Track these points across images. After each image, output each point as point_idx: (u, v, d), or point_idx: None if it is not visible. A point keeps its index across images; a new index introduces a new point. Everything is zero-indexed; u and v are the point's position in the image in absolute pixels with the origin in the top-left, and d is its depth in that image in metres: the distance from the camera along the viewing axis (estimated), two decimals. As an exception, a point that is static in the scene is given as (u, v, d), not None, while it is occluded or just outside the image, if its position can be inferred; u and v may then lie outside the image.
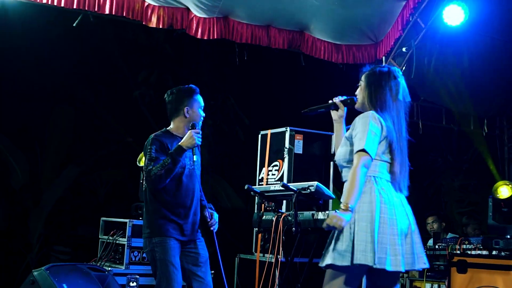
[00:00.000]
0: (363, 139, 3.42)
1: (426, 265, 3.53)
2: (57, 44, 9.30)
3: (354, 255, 3.34)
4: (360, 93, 3.72)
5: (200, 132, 4.50)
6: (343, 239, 3.41)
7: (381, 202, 3.42)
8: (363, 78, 3.72)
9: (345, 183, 3.48)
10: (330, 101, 3.88)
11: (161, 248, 4.38)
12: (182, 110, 4.57)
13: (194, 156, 4.49)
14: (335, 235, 3.47)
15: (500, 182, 6.12)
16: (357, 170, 3.37)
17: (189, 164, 4.54)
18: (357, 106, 3.75)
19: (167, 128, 4.65)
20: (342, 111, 3.85)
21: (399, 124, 3.60)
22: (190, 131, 4.46)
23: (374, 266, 3.33)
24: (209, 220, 4.72)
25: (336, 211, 3.37)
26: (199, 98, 4.65)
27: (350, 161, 3.51)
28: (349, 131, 3.62)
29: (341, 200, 3.40)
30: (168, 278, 4.35)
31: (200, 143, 4.47)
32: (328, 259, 3.44)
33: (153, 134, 4.55)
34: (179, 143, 4.41)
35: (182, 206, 4.48)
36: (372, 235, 3.34)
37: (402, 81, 3.71)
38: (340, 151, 3.62)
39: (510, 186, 6.02)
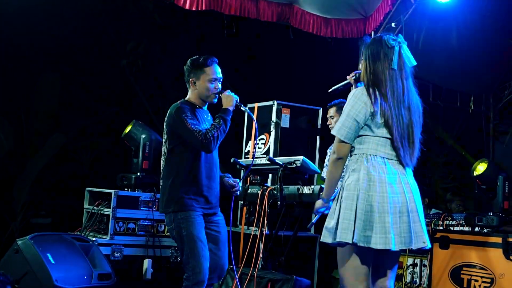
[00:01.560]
0: (341, 125, 3.45)
1: (426, 245, 3.45)
2: (44, 11, 9.17)
3: (337, 233, 3.36)
4: (361, 66, 3.69)
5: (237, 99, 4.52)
6: (332, 217, 3.45)
7: (370, 180, 3.37)
8: (364, 50, 3.67)
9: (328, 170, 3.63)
10: (347, 77, 4.02)
11: (188, 224, 4.29)
12: (189, 81, 4.53)
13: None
14: (329, 213, 3.53)
15: (478, 161, 6.16)
16: (331, 162, 3.50)
17: None
18: (361, 79, 3.67)
19: (185, 99, 4.57)
20: (355, 86, 3.88)
21: (397, 95, 3.46)
22: (223, 93, 4.47)
23: (358, 244, 3.34)
24: (234, 186, 4.67)
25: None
26: (209, 70, 4.49)
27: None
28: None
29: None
30: (197, 254, 4.26)
31: (238, 101, 4.51)
32: (322, 237, 3.51)
33: (177, 104, 4.47)
34: (224, 107, 4.43)
35: (207, 177, 4.42)
36: (354, 214, 3.34)
37: (398, 47, 3.52)
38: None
39: (485, 163, 6.06)
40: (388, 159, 3.45)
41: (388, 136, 3.44)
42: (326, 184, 3.56)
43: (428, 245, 3.46)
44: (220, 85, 4.52)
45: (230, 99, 4.44)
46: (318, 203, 3.60)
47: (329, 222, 3.44)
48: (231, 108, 4.43)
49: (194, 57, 4.57)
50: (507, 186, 5.87)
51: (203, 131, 4.26)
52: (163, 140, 4.49)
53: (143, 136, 6.46)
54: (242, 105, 4.56)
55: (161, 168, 4.51)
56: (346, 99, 3.63)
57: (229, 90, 4.52)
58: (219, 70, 4.53)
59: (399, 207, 3.39)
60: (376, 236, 3.33)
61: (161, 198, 4.49)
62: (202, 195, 4.38)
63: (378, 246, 3.33)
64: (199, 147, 4.31)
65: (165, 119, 4.48)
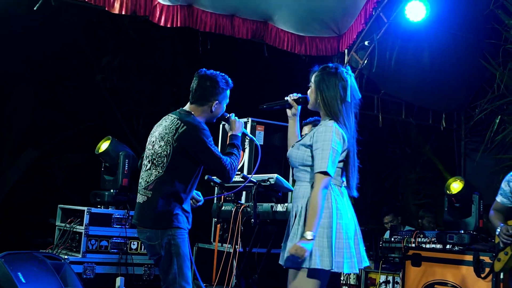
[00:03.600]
0: (325, 160, 3.43)
1: (367, 263, 3.64)
2: (19, 25, 9.13)
3: (312, 260, 3.39)
4: (311, 95, 3.69)
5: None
6: (291, 242, 3.47)
7: (337, 208, 3.47)
8: (312, 79, 3.68)
9: (311, 205, 3.42)
10: (285, 98, 3.88)
11: (179, 241, 4.09)
12: (212, 101, 4.22)
13: None
14: (290, 237, 3.53)
15: (452, 178, 6.23)
16: (319, 194, 3.41)
17: None
18: (309, 106, 3.74)
19: (196, 115, 4.22)
20: (296, 109, 3.85)
21: (350, 127, 3.60)
22: (233, 119, 4.33)
23: (332, 270, 3.40)
24: (198, 200, 4.42)
25: (300, 243, 3.35)
26: (229, 93, 4.32)
27: (305, 166, 3.54)
28: (306, 137, 3.61)
29: (306, 227, 3.39)
30: (185, 273, 4.08)
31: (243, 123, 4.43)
32: (287, 262, 3.49)
33: (195, 121, 4.13)
34: (235, 133, 4.30)
35: (190, 197, 4.27)
36: (330, 241, 3.41)
37: (350, 79, 3.64)
38: (296, 154, 3.61)
39: (461, 181, 6.13)
40: (343, 186, 3.61)
41: (342, 166, 3.58)
42: (315, 218, 3.40)
43: (367, 263, 3.67)
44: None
45: (239, 125, 4.33)
46: (302, 249, 3.36)
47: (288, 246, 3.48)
48: (239, 134, 4.32)
49: (220, 74, 4.28)
50: (481, 205, 5.95)
51: (227, 161, 4.11)
52: (159, 152, 4.12)
53: (122, 153, 6.40)
54: (248, 133, 4.49)
55: (148, 180, 4.14)
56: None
57: (233, 114, 4.38)
58: None
59: (354, 232, 3.55)
60: (346, 261, 3.44)
61: (146, 213, 4.15)
62: (188, 214, 4.22)
63: (348, 270, 3.46)
64: (221, 176, 4.16)
65: (176, 133, 4.08)
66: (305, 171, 3.56)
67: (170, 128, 4.14)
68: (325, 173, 3.43)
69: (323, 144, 3.47)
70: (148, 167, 4.19)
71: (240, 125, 4.36)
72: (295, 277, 3.52)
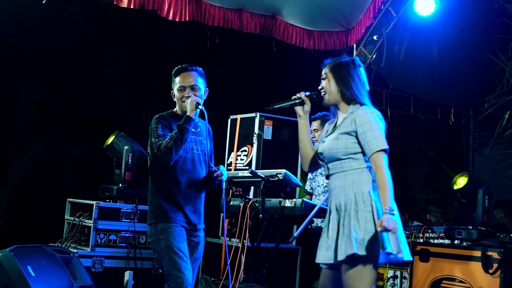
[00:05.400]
0: (380, 138, 3.46)
1: None
2: (27, 18, 9.14)
3: (381, 244, 3.34)
4: (328, 87, 3.67)
5: (198, 101, 4.29)
6: (359, 228, 3.41)
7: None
8: (327, 70, 3.68)
9: (380, 183, 3.40)
10: (294, 96, 3.81)
11: (167, 234, 4.19)
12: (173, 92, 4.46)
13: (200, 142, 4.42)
14: (345, 226, 3.44)
15: (459, 174, 6.23)
16: (386, 171, 3.41)
17: (195, 149, 4.40)
18: (327, 100, 3.71)
19: (173, 110, 4.48)
20: (309, 107, 3.79)
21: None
22: (188, 99, 4.31)
23: (399, 257, 3.39)
24: (215, 172, 4.39)
25: (387, 215, 3.30)
26: (178, 79, 4.39)
27: (350, 154, 3.52)
28: (342, 126, 3.58)
29: (383, 204, 3.35)
30: (178, 265, 4.13)
31: (201, 103, 4.29)
32: (349, 249, 3.38)
33: (158, 114, 4.41)
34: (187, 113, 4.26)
35: (186, 192, 4.31)
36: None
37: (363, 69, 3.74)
38: (337, 144, 3.56)
39: (466, 176, 6.13)
40: None
41: None
42: (390, 193, 3.38)
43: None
44: (191, 92, 4.34)
45: (191, 105, 4.25)
46: (393, 221, 3.32)
47: (359, 235, 3.38)
48: (191, 114, 4.25)
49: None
50: (486, 200, 5.94)
51: (159, 143, 4.18)
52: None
53: (126, 147, 6.43)
54: (201, 105, 4.31)
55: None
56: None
57: (192, 96, 4.33)
58: (190, 77, 4.38)
59: None
60: (407, 247, 3.44)
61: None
62: (181, 209, 4.29)
63: (409, 257, 3.45)
64: (156, 160, 4.25)
65: None
66: (350, 159, 3.53)
67: None
68: (384, 150, 3.44)
69: (371, 125, 3.49)
70: None
71: (190, 104, 4.26)
72: (350, 268, 3.43)
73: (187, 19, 6.79)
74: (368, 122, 3.49)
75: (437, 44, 8.06)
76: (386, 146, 3.46)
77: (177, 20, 6.75)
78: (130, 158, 6.37)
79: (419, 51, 8.01)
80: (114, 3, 6.43)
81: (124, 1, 6.44)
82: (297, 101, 3.79)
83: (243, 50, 9.87)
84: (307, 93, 3.80)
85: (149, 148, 4.38)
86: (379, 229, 3.29)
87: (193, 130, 4.39)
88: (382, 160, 3.44)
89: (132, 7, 6.47)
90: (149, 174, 4.41)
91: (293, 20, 7.52)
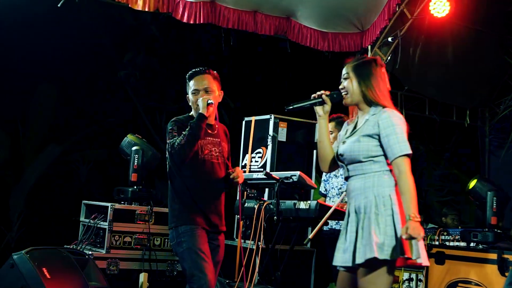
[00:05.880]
0: (404, 143, 3.42)
1: None
2: (42, 21, 9.20)
3: (399, 249, 3.31)
4: (351, 87, 3.61)
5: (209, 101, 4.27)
6: (379, 233, 3.36)
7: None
8: (349, 70, 3.62)
9: (404, 189, 3.35)
10: (315, 95, 3.74)
11: (188, 237, 4.19)
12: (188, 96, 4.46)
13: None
14: (372, 228, 3.40)
15: (474, 177, 6.21)
16: (410, 176, 3.37)
17: (214, 150, 4.38)
18: (349, 100, 3.65)
19: (189, 114, 4.46)
20: (329, 107, 3.72)
21: None
22: (200, 98, 4.30)
23: (418, 261, 3.35)
24: (232, 173, 4.39)
25: (412, 222, 3.25)
26: (192, 83, 4.40)
27: (371, 157, 3.49)
28: (363, 128, 3.54)
29: (407, 210, 3.30)
30: (200, 266, 4.12)
31: (211, 101, 4.26)
32: (368, 253, 3.34)
33: (174, 118, 4.41)
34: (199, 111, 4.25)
35: (203, 194, 4.30)
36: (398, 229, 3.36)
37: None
38: (358, 146, 3.52)
39: (475, 179, 6.11)
40: None
41: None
42: (414, 199, 3.34)
43: None
44: (205, 95, 4.32)
45: (202, 102, 4.26)
46: (418, 226, 3.29)
47: (378, 238, 3.34)
48: (204, 112, 4.24)
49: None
50: (495, 202, 5.90)
51: (174, 141, 4.19)
52: None
53: (134, 148, 6.43)
54: (209, 100, 4.29)
55: None
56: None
57: (203, 94, 4.33)
58: (204, 80, 4.38)
59: None
60: (423, 252, 3.38)
61: None
62: (201, 211, 4.27)
63: (427, 262, 3.42)
64: (172, 160, 4.27)
65: None
66: (371, 161, 3.49)
67: None
68: (407, 155, 3.40)
69: (395, 128, 3.44)
70: None
71: (202, 103, 4.25)
72: (367, 272, 3.38)
73: (201, 22, 6.80)
74: (392, 126, 3.44)
75: (452, 45, 8.02)
76: (409, 151, 3.41)
77: (191, 22, 6.76)
78: (136, 159, 6.36)
79: (434, 52, 7.98)
80: (129, 6, 6.45)
81: (139, 4, 6.46)
82: (318, 100, 3.72)
83: (258, 52, 9.89)
84: (327, 93, 3.73)
85: (166, 152, 4.37)
86: (404, 236, 3.26)
87: (210, 132, 4.39)
88: (406, 165, 3.39)
89: (147, 10, 6.49)
90: (168, 177, 4.40)
91: (307, 22, 7.52)
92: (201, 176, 4.32)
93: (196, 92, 4.38)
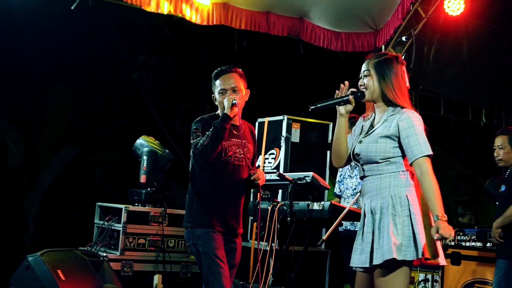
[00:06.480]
0: (424, 144, 3.39)
1: None
2: (56, 23, 9.24)
3: (419, 249, 3.28)
4: (371, 85, 3.55)
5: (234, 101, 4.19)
6: (396, 234, 3.33)
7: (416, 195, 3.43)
8: (370, 67, 3.54)
9: (428, 189, 3.32)
10: (340, 93, 3.62)
11: (204, 240, 4.14)
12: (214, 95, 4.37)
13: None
14: (381, 230, 3.38)
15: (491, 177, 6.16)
16: (432, 176, 3.34)
17: (238, 152, 4.30)
18: (370, 98, 3.59)
19: (215, 113, 4.37)
20: (352, 106, 3.63)
21: None
22: (225, 98, 4.23)
23: (439, 261, 3.36)
24: (253, 174, 4.28)
25: (442, 222, 3.20)
26: (218, 82, 4.29)
27: (387, 158, 3.46)
28: (381, 129, 3.50)
29: (434, 210, 3.27)
30: (215, 272, 4.08)
31: (236, 101, 4.16)
32: (386, 254, 3.31)
33: (199, 117, 4.34)
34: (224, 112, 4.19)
35: (223, 196, 4.23)
36: (429, 229, 3.31)
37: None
38: (375, 147, 3.48)
39: (490, 178, 6.06)
40: None
41: None
42: (440, 199, 3.32)
43: None
44: (232, 94, 4.24)
45: (227, 102, 4.18)
46: (448, 226, 3.25)
47: (399, 239, 3.31)
48: (228, 112, 4.16)
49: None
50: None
51: (198, 141, 4.14)
52: None
53: (145, 149, 6.43)
54: (234, 100, 4.20)
55: None
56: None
57: (230, 96, 4.25)
58: (231, 79, 4.28)
59: None
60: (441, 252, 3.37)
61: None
62: (219, 214, 4.22)
63: (444, 261, 3.42)
64: (196, 160, 4.21)
65: None
66: (388, 162, 3.45)
67: None
68: (429, 156, 3.37)
69: (415, 129, 3.41)
70: None
71: (226, 103, 4.18)
72: (385, 273, 3.36)
73: (214, 23, 6.81)
74: (412, 127, 3.41)
75: (467, 44, 7.97)
76: (430, 152, 3.37)
77: (204, 24, 6.77)
78: (145, 161, 6.36)
79: (448, 51, 7.94)
80: (142, 8, 6.46)
81: (152, 6, 6.47)
82: (344, 99, 3.60)
83: (271, 53, 9.87)
84: (354, 90, 3.62)
85: (191, 151, 4.29)
86: (435, 237, 3.20)
87: (235, 132, 4.30)
88: (427, 166, 3.35)
89: (159, 12, 6.50)
90: (189, 177, 4.33)
91: (320, 22, 7.49)
92: (223, 178, 4.25)
93: (223, 91, 4.27)
